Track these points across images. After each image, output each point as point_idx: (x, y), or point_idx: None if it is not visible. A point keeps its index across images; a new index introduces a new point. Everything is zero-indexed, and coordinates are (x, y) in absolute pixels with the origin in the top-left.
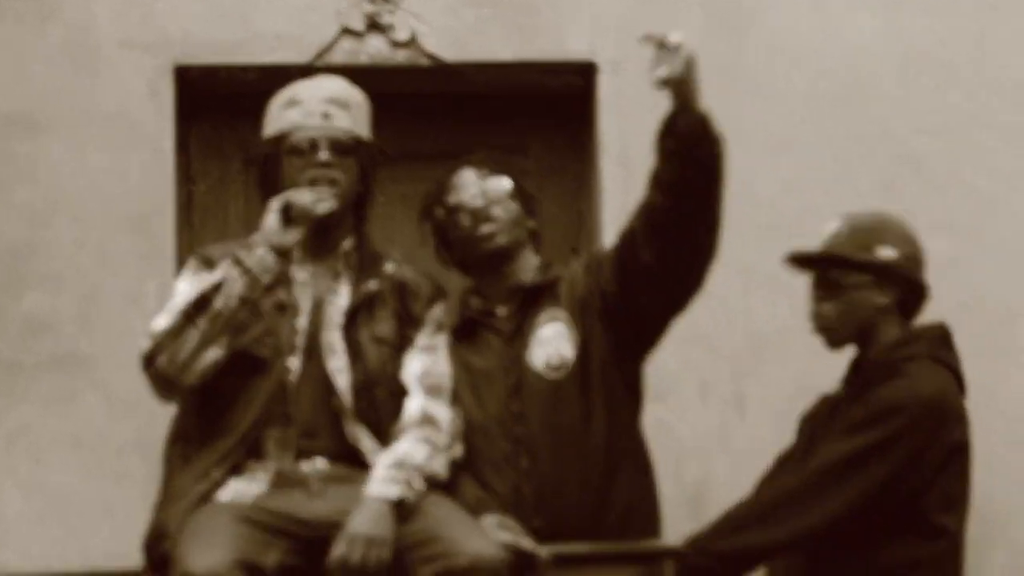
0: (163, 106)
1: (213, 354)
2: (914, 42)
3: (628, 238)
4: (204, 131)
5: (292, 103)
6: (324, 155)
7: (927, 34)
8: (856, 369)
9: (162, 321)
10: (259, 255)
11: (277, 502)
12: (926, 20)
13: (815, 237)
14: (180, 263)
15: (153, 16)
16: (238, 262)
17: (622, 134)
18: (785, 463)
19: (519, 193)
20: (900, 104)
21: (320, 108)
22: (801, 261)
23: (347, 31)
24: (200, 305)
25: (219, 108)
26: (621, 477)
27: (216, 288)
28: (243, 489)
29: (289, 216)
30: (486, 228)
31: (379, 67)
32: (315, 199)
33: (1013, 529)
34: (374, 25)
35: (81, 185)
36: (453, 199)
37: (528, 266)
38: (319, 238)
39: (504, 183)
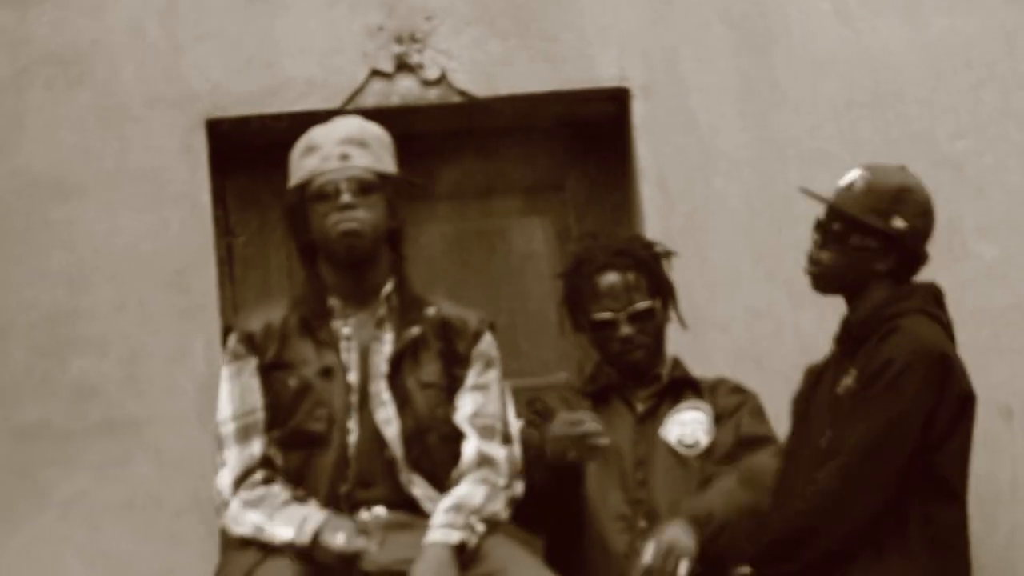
0: (197, 161)
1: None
2: (942, 44)
3: None
4: (240, 183)
5: (310, 150)
6: (346, 197)
7: (954, 35)
8: (847, 329)
9: (231, 505)
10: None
11: None
12: (952, 21)
13: None
14: (224, 316)
15: (179, 71)
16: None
17: (658, 158)
18: (794, 453)
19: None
20: (934, 108)
21: (337, 151)
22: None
23: (376, 73)
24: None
25: (253, 159)
26: None
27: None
28: None
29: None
30: (634, 356)
31: (411, 107)
32: (348, 540)
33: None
34: (403, 65)
35: (118, 246)
36: (598, 318)
37: (662, 362)
38: (357, 283)
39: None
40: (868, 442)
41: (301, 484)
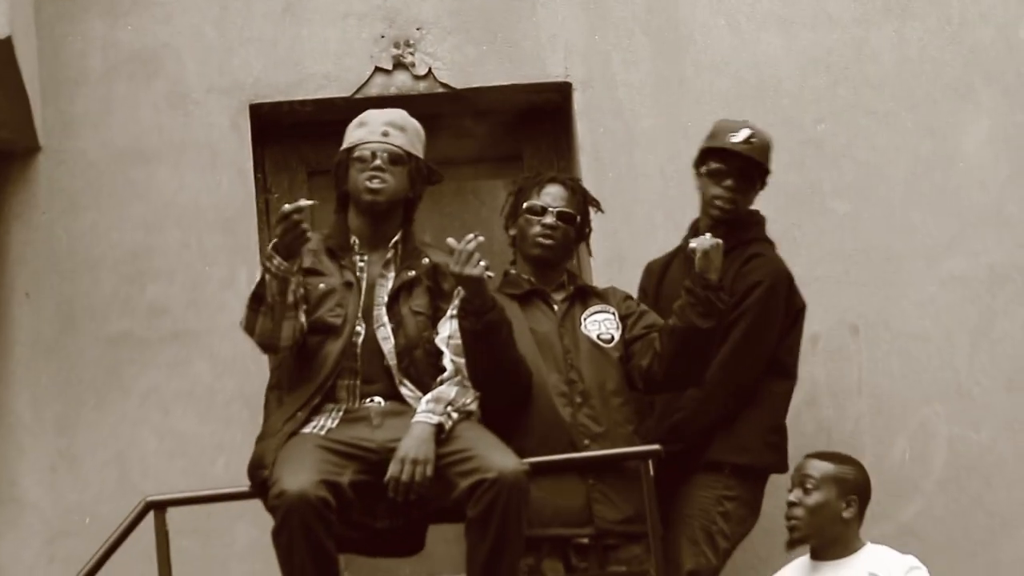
0: (242, 136)
1: (290, 325)
2: (808, 52)
3: (642, 354)
4: (275, 153)
5: (361, 124)
6: (378, 163)
7: (816, 45)
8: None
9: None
10: (276, 262)
11: (348, 433)
12: (815, 34)
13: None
14: (262, 253)
15: (231, 68)
16: (265, 268)
17: (593, 136)
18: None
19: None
20: (800, 99)
21: (381, 128)
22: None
23: (379, 70)
24: (258, 299)
25: (285, 134)
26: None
27: (261, 284)
28: (321, 424)
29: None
30: (545, 244)
31: (405, 96)
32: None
33: (909, 419)
34: (399, 64)
35: (182, 200)
36: (533, 204)
37: (563, 271)
38: (374, 231)
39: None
40: (743, 345)
41: (313, 362)
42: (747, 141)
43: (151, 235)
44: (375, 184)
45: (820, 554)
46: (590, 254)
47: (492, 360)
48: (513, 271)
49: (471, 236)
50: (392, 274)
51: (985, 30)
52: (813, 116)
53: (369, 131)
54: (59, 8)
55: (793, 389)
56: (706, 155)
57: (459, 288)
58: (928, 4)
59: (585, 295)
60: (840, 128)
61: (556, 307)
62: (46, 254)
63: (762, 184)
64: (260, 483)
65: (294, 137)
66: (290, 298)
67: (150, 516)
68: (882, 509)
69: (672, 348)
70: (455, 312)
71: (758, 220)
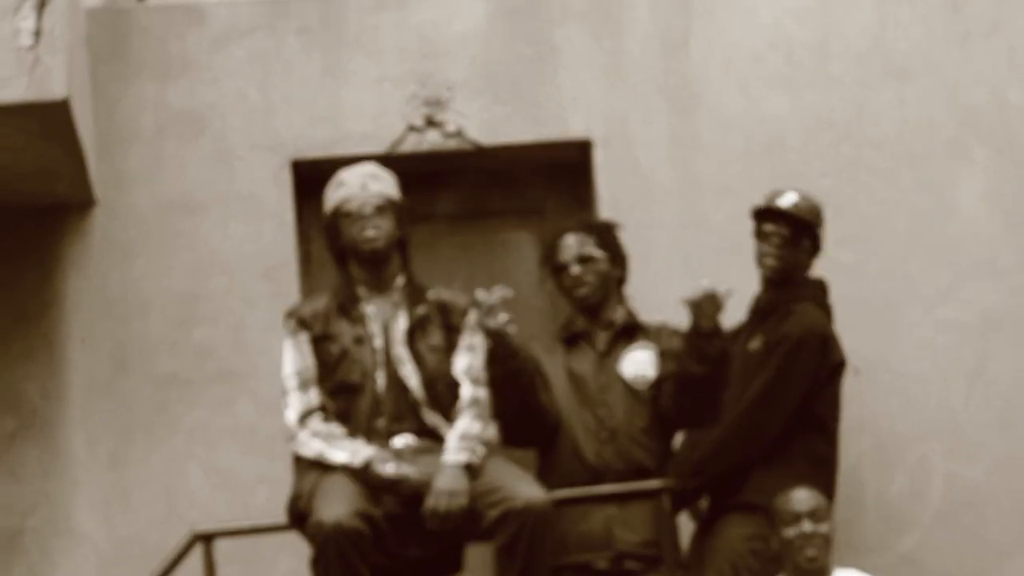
0: (284, 190)
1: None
2: (813, 111)
3: (665, 393)
4: (315, 205)
5: (340, 185)
6: (367, 212)
7: (821, 105)
8: (759, 305)
9: (299, 434)
10: (374, 475)
11: None
12: (819, 95)
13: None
14: (302, 298)
15: (274, 126)
16: (366, 473)
17: (612, 190)
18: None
19: (612, 253)
20: (806, 155)
21: (359, 182)
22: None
23: (411, 128)
24: (323, 464)
25: (324, 188)
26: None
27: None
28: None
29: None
30: (581, 291)
31: (436, 153)
32: (397, 468)
33: (908, 455)
34: (431, 122)
35: (228, 248)
36: (557, 262)
37: (613, 309)
38: (377, 277)
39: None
40: (763, 395)
41: (345, 422)
42: (794, 205)
43: (198, 282)
44: (371, 233)
45: None
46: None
47: (515, 405)
48: (571, 316)
49: (497, 289)
50: (403, 313)
51: (979, 92)
52: (818, 171)
53: (349, 188)
54: (113, 71)
55: (836, 452)
56: (757, 218)
57: (469, 319)
58: (925, 68)
59: (632, 332)
60: (843, 183)
61: (599, 346)
62: (100, 301)
63: (814, 246)
64: (299, 515)
65: None
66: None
67: (197, 546)
68: (882, 541)
69: (674, 391)
70: (469, 343)
71: (813, 284)
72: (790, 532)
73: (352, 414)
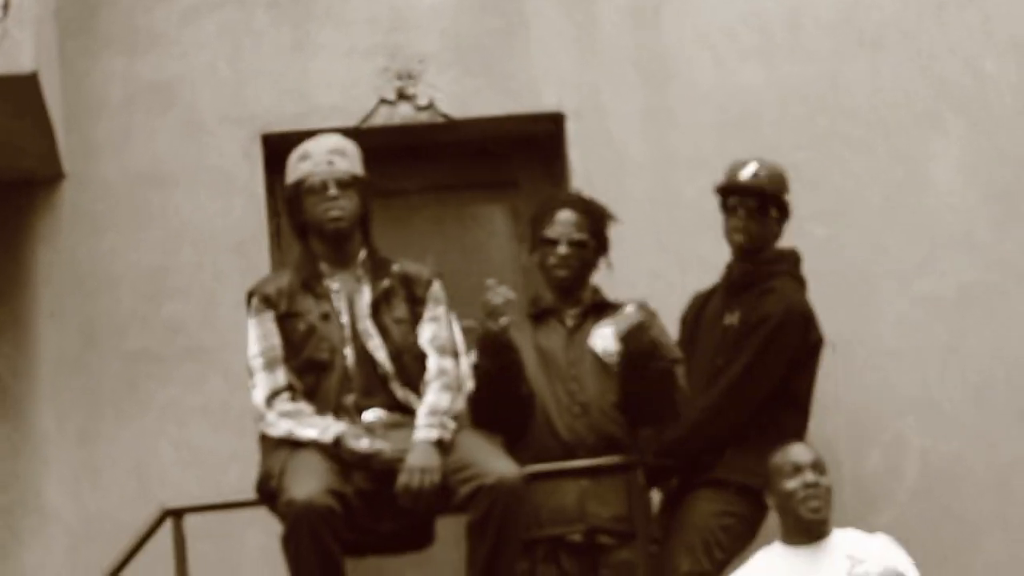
0: (254, 163)
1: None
2: (787, 83)
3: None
4: (284, 179)
5: (304, 157)
6: (332, 191)
7: (795, 77)
8: (731, 275)
9: (267, 414)
10: (347, 449)
11: None
12: (794, 67)
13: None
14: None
15: (244, 99)
16: (337, 448)
17: (584, 163)
18: (687, 364)
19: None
20: (781, 128)
21: (325, 158)
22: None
23: (383, 101)
24: (292, 442)
25: None
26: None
27: (306, 441)
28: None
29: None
30: (561, 272)
31: (408, 126)
32: (370, 443)
33: (884, 431)
34: (402, 95)
35: (198, 222)
36: (547, 235)
37: (584, 288)
38: (340, 252)
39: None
40: (743, 375)
41: (313, 399)
42: (755, 175)
43: (168, 256)
44: (335, 212)
45: (795, 539)
46: (610, 266)
47: (503, 396)
48: (539, 292)
49: (501, 290)
50: (367, 287)
51: (953, 63)
52: (792, 144)
53: (314, 163)
54: (82, 44)
55: (806, 427)
56: (721, 194)
57: (432, 290)
58: (899, 38)
59: (601, 310)
60: (817, 156)
61: (568, 322)
62: (69, 275)
63: (781, 214)
64: (269, 493)
65: None
66: None
67: (167, 522)
68: (858, 517)
69: (624, 405)
70: (433, 314)
71: (786, 257)
72: (791, 484)
73: (321, 391)
